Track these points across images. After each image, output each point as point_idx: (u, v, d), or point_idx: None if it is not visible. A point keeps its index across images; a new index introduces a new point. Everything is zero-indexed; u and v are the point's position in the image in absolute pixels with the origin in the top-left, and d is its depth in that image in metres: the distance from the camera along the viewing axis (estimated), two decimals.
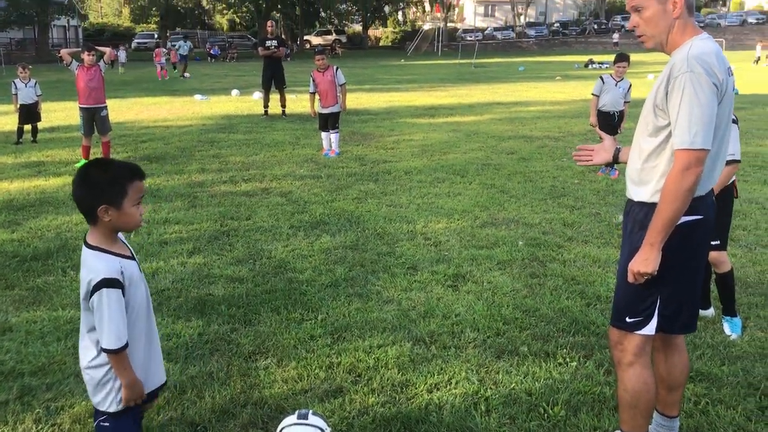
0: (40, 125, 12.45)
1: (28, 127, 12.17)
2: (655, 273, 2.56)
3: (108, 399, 2.43)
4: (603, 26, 67.80)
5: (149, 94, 21.33)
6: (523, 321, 4.42)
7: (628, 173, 2.76)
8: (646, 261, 2.55)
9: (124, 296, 2.33)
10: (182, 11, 68.22)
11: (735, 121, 3.84)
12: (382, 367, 3.83)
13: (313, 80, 10.58)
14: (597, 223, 6.65)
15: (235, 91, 21.07)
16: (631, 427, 2.80)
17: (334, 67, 10.58)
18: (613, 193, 7.82)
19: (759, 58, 38.61)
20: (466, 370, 3.78)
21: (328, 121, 10.52)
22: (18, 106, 12.08)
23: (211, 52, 50.35)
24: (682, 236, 2.57)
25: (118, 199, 2.31)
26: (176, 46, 34.81)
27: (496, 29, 70.47)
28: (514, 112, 15.95)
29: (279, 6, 60.01)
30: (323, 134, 10.69)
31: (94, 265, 2.33)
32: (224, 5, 64.30)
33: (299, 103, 17.97)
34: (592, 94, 9.02)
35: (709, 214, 2.66)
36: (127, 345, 2.33)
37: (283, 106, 15.64)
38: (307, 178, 8.79)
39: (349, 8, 66.88)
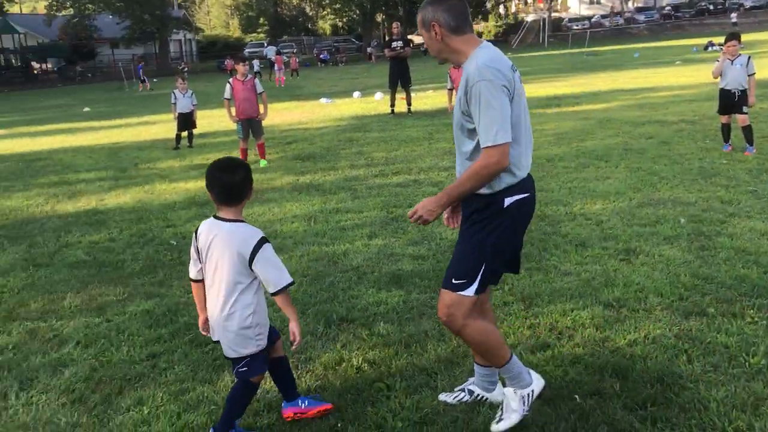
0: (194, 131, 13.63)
1: (184, 133, 13.36)
2: (429, 222, 2.92)
3: (251, 344, 3.07)
4: (719, 6, 64.70)
5: (276, 99, 22.51)
6: (703, 287, 4.69)
7: (458, 172, 3.09)
8: (431, 212, 2.91)
9: None
10: (287, 19, 70.91)
11: None
12: (579, 326, 4.23)
13: (450, 77, 11.06)
14: (756, 199, 6.74)
15: (356, 93, 21.93)
16: (498, 360, 3.15)
17: None
18: (767, 171, 7.82)
19: None
20: (659, 328, 4.12)
21: None
22: (176, 114, 13.27)
23: (321, 57, 52.13)
24: (516, 211, 2.94)
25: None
26: (265, 53, 36.88)
27: (603, 16, 68.71)
28: (641, 98, 15.81)
29: (383, 8, 61.13)
30: None
31: (247, 232, 2.99)
32: (328, 11, 66.11)
33: (421, 101, 18.55)
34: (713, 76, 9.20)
35: (533, 192, 3.03)
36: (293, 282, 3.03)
37: (409, 104, 16.23)
38: (452, 169, 9.27)
39: None
